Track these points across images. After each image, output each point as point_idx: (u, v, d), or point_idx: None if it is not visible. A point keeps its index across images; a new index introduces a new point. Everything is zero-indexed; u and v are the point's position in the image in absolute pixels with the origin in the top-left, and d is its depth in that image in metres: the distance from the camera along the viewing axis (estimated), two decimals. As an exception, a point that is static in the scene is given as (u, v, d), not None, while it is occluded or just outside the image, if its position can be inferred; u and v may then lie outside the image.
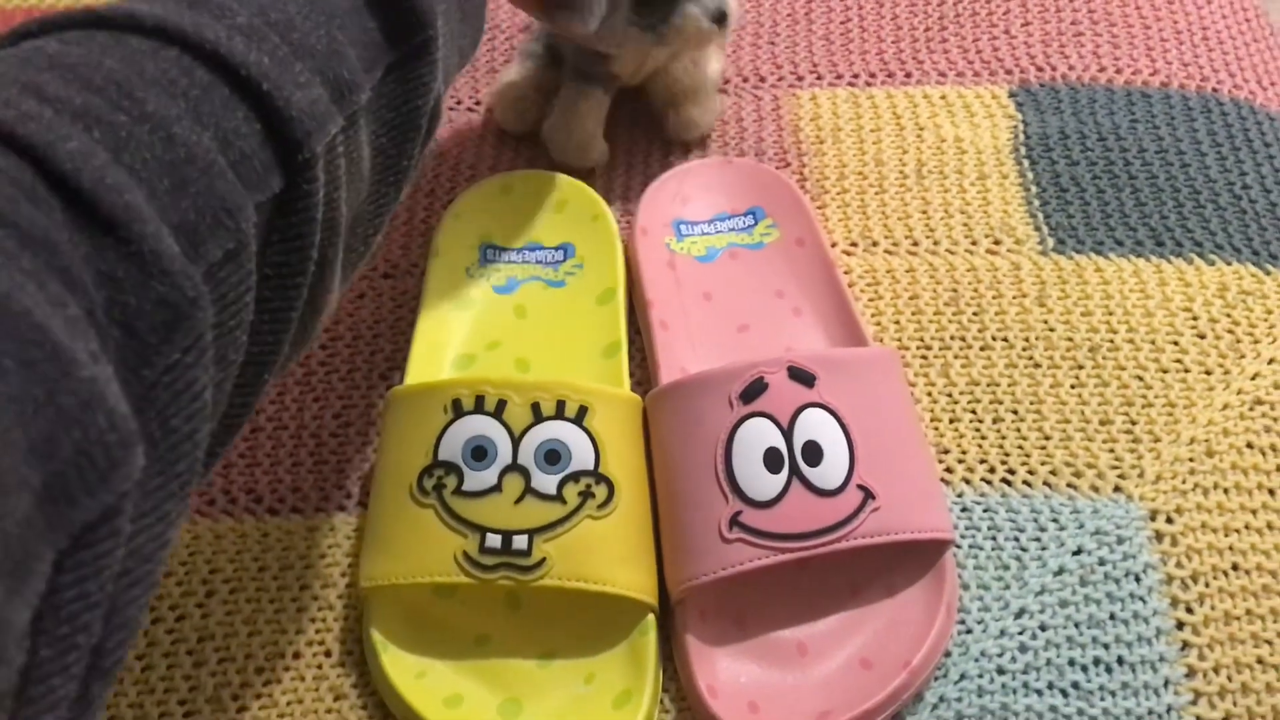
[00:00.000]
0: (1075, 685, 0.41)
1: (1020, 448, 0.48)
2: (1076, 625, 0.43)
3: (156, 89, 0.27)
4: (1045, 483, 0.47)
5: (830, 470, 0.42)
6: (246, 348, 0.30)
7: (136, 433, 0.24)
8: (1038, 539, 0.45)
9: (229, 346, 0.28)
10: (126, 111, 0.27)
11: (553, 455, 0.43)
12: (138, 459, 0.24)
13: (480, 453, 0.43)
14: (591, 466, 0.43)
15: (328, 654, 0.44)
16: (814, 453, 0.42)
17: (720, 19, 0.51)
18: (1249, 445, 0.47)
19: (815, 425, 0.43)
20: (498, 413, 0.43)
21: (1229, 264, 0.53)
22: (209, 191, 0.27)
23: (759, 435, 0.42)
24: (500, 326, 0.51)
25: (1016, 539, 0.45)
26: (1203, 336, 0.51)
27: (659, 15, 0.51)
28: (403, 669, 0.42)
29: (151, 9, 0.29)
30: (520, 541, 0.41)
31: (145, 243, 0.25)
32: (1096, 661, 0.42)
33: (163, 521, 0.26)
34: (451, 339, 0.50)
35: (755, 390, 0.43)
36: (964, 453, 0.48)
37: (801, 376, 0.43)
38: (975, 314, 0.52)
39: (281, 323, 0.31)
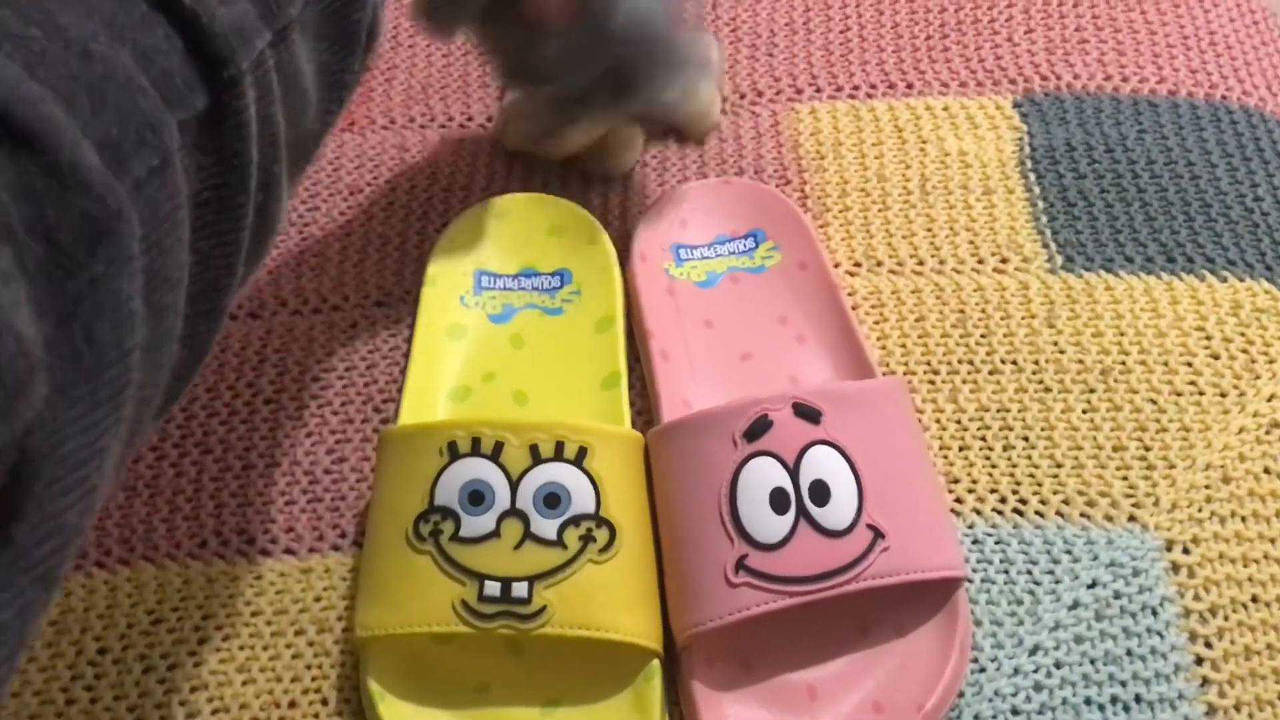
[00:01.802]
0: (1092, 726, 0.40)
1: (1032, 476, 0.47)
2: (1092, 662, 0.42)
3: (72, 6, 0.27)
4: (1058, 513, 0.46)
5: (838, 510, 0.41)
6: (198, 271, 0.30)
7: (40, 359, 0.24)
8: (1051, 572, 0.44)
9: (169, 265, 0.28)
10: (41, 26, 0.26)
11: (552, 499, 0.41)
12: (41, 386, 0.24)
13: (477, 497, 0.41)
14: (592, 510, 0.42)
15: (324, 702, 0.42)
16: (821, 492, 0.41)
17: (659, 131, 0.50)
18: (1266, 470, 0.46)
19: (822, 463, 0.42)
20: (495, 455, 0.42)
21: (1242, 280, 0.52)
22: (130, 107, 0.27)
23: (764, 475, 0.41)
24: (496, 357, 0.50)
25: (1029, 572, 0.44)
26: (1216, 357, 0.49)
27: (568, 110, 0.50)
28: (402, 719, 0.40)
29: None
30: (520, 589, 0.40)
31: (63, 153, 0.24)
32: (1114, 700, 0.41)
33: (94, 429, 0.25)
34: (446, 371, 0.49)
35: (760, 428, 0.42)
36: (974, 482, 0.47)
37: (807, 413, 0.42)
38: (983, 336, 0.51)
39: (232, 244, 0.31)
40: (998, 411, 0.48)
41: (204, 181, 0.29)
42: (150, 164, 0.27)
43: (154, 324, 0.27)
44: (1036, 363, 0.50)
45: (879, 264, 0.54)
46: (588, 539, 0.41)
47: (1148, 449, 0.47)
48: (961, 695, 0.41)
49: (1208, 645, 0.42)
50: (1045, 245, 0.54)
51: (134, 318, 0.26)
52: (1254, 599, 0.43)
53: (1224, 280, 0.52)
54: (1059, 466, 0.47)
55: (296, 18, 0.33)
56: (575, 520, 0.41)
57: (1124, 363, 0.49)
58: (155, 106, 0.27)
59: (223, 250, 0.30)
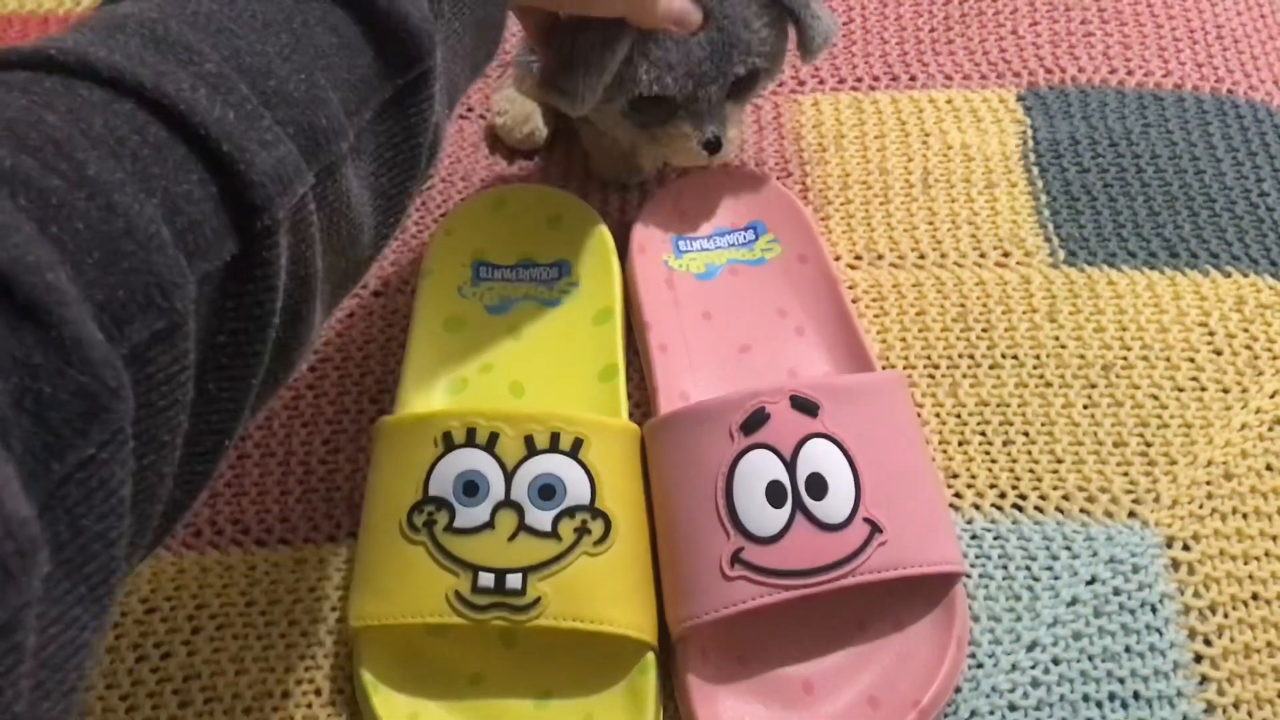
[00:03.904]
0: (1090, 722, 0.40)
1: (1031, 471, 0.46)
2: (1090, 659, 0.42)
3: (101, 149, 0.25)
4: (1057, 508, 0.45)
5: (835, 503, 0.41)
6: (203, 412, 0.28)
7: (39, 538, 0.22)
8: (1050, 568, 0.44)
9: (160, 428, 0.26)
10: (63, 175, 0.24)
11: (547, 490, 0.41)
12: (40, 567, 0.22)
13: (472, 488, 0.41)
14: (587, 501, 0.41)
15: (317, 693, 0.42)
16: (818, 485, 0.41)
17: (712, 146, 0.49)
18: (1268, 467, 0.46)
19: (819, 457, 0.41)
20: (489, 446, 0.42)
21: (1246, 276, 0.52)
22: (144, 267, 0.25)
23: (761, 468, 0.41)
24: (493, 348, 0.49)
25: (1028, 568, 0.44)
26: (1219, 353, 0.49)
27: (653, 119, 0.49)
28: (395, 710, 0.40)
29: (110, 54, 0.27)
30: (514, 580, 0.40)
31: (66, 328, 0.23)
32: (1112, 697, 0.41)
33: (73, 627, 0.24)
34: (443, 362, 0.49)
35: (757, 421, 0.42)
36: (973, 477, 0.46)
37: (805, 406, 0.42)
38: (984, 330, 0.50)
39: (241, 388, 0.29)
40: (998, 406, 0.48)
41: (222, 327, 0.28)
42: (154, 328, 0.25)
43: (136, 487, 0.26)
44: (1037, 357, 0.49)
45: (880, 257, 0.53)
46: (583, 531, 0.41)
47: (1149, 445, 0.47)
48: (959, 690, 0.41)
49: (1207, 642, 0.42)
50: (1047, 239, 0.53)
51: (123, 504, 0.25)
52: (1254, 596, 0.43)
53: (1228, 275, 0.52)
54: (1059, 462, 0.46)
55: (348, 151, 0.31)
56: (570, 512, 0.41)
57: (1126, 358, 0.49)
58: (171, 266, 0.26)
59: (230, 394, 0.29)
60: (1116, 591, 0.43)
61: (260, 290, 0.28)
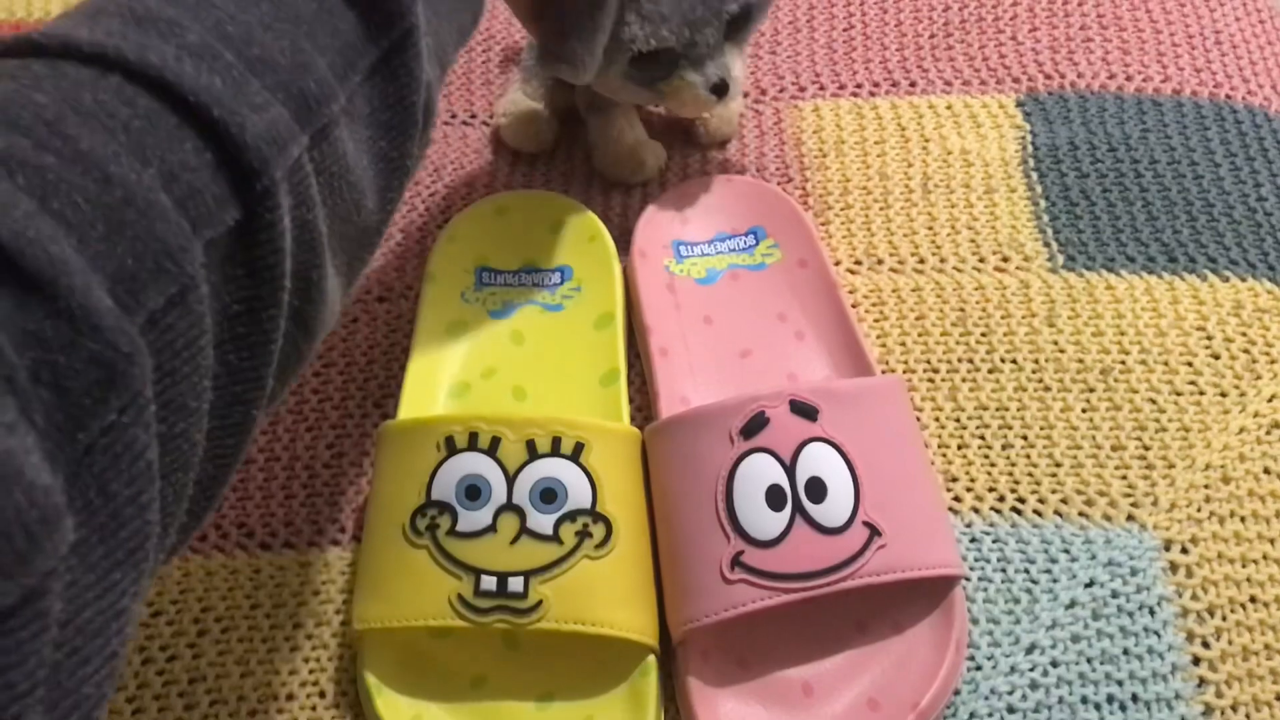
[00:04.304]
0: (1088, 725, 0.40)
1: (1030, 475, 0.47)
2: (1089, 661, 0.42)
3: (92, 124, 0.25)
4: (1056, 511, 0.46)
5: (835, 507, 0.41)
6: (226, 384, 0.28)
7: (61, 505, 0.22)
8: (1049, 571, 0.44)
9: (186, 394, 0.26)
10: (56, 152, 0.25)
11: (549, 494, 0.41)
12: (64, 534, 0.22)
13: (474, 492, 0.41)
14: (589, 505, 0.42)
15: (322, 695, 0.43)
16: (818, 489, 0.41)
17: (719, 89, 0.49)
18: (1266, 471, 0.46)
19: (819, 461, 0.41)
20: (491, 450, 0.42)
21: (1244, 280, 0.52)
22: (148, 234, 0.25)
23: (761, 472, 0.41)
24: (496, 353, 0.50)
25: (1027, 571, 0.44)
26: (1217, 357, 0.49)
27: (656, 74, 0.49)
28: (398, 712, 0.41)
29: (91, 32, 0.27)
30: (516, 583, 0.40)
31: (74, 297, 0.23)
32: (1110, 699, 0.41)
33: (112, 591, 0.24)
34: (446, 366, 0.49)
35: (756, 425, 0.42)
36: (972, 480, 0.47)
37: (804, 410, 0.42)
38: (983, 335, 0.51)
39: (261, 356, 0.29)
40: (997, 410, 0.48)
41: (234, 295, 0.28)
42: (168, 293, 0.25)
43: (167, 455, 0.26)
44: (1036, 361, 0.49)
45: (880, 262, 0.54)
46: (584, 534, 0.41)
47: (1147, 448, 0.47)
48: (958, 693, 0.41)
49: (1205, 645, 0.42)
50: (1046, 244, 0.54)
51: (151, 467, 0.25)
52: (1252, 599, 0.43)
53: (1225, 280, 0.52)
54: (1057, 465, 0.47)
55: (339, 113, 0.31)
56: (572, 515, 0.41)
57: (1124, 362, 0.49)
58: (177, 231, 0.26)
59: (252, 364, 0.29)
60: (1115, 594, 0.43)
61: (268, 254, 0.28)
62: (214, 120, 0.27)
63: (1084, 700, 0.41)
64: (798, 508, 0.41)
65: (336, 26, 0.32)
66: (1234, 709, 0.41)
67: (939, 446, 0.48)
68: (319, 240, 0.31)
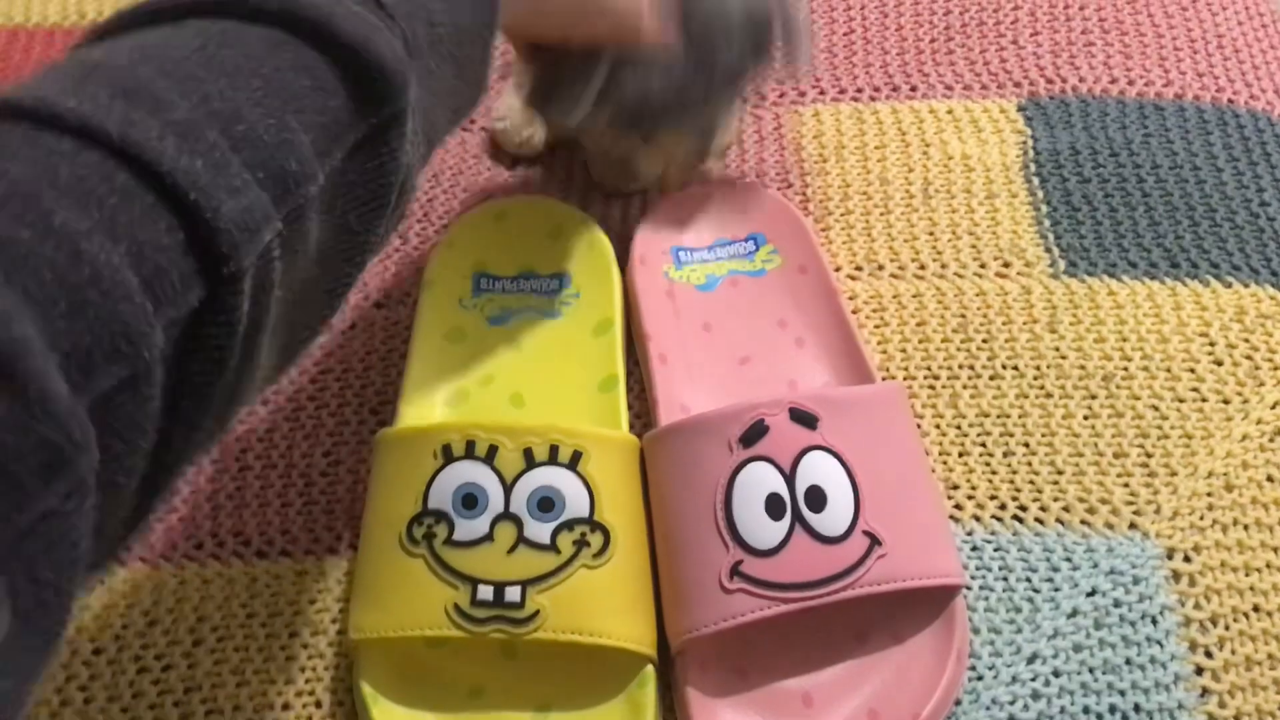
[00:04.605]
0: (1090, 735, 0.40)
1: (1032, 483, 0.46)
2: (1091, 671, 0.42)
3: (68, 198, 0.25)
4: (1058, 520, 0.45)
5: (834, 516, 0.41)
6: (156, 455, 0.28)
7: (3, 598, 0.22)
8: (1050, 579, 0.44)
9: (117, 472, 0.26)
10: (29, 225, 0.24)
11: (546, 503, 0.41)
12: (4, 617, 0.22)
13: (471, 501, 0.41)
14: (586, 514, 0.41)
15: (318, 704, 0.42)
16: (817, 498, 0.41)
17: (703, 148, 0.50)
18: (1269, 478, 0.46)
19: (818, 469, 0.41)
20: (489, 458, 0.42)
21: (1246, 286, 0.52)
22: (110, 315, 0.25)
23: (760, 480, 0.41)
24: (494, 360, 0.49)
25: (1028, 580, 0.44)
26: (1220, 363, 0.49)
27: (641, 128, 0.49)
28: (394, 723, 0.40)
29: (78, 102, 0.27)
30: (513, 593, 0.40)
31: (31, 380, 0.23)
32: (1112, 709, 0.41)
33: (15, 676, 0.24)
34: (444, 373, 0.49)
35: (756, 433, 0.42)
36: (974, 488, 0.46)
37: (803, 418, 0.42)
38: (984, 341, 0.50)
39: (195, 429, 0.29)
40: (998, 417, 0.48)
41: (183, 370, 0.28)
42: (119, 377, 0.25)
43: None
44: (1038, 368, 0.49)
45: (880, 268, 0.53)
46: (582, 544, 0.41)
47: (1149, 456, 0.47)
48: (959, 703, 0.41)
49: (1208, 655, 0.42)
50: (1048, 250, 0.53)
51: (82, 556, 0.25)
52: (1256, 608, 0.43)
53: (1228, 286, 0.52)
54: (1059, 473, 0.46)
55: (316, 194, 0.31)
56: (569, 525, 0.41)
57: (1126, 368, 0.49)
58: (139, 313, 0.26)
59: (185, 433, 0.29)
60: (1117, 603, 0.43)
61: (222, 335, 0.28)
62: (190, 203, 0.27)
63: (1086, 711, 0.41)
64: (797, 517, 0.41)
65: (326, 103, 0.31)
66: (1237, 719, 0.40)
67: (940, 454, 0.47)
68: (266, 318, 0.31)
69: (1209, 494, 0.45)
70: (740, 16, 0.47)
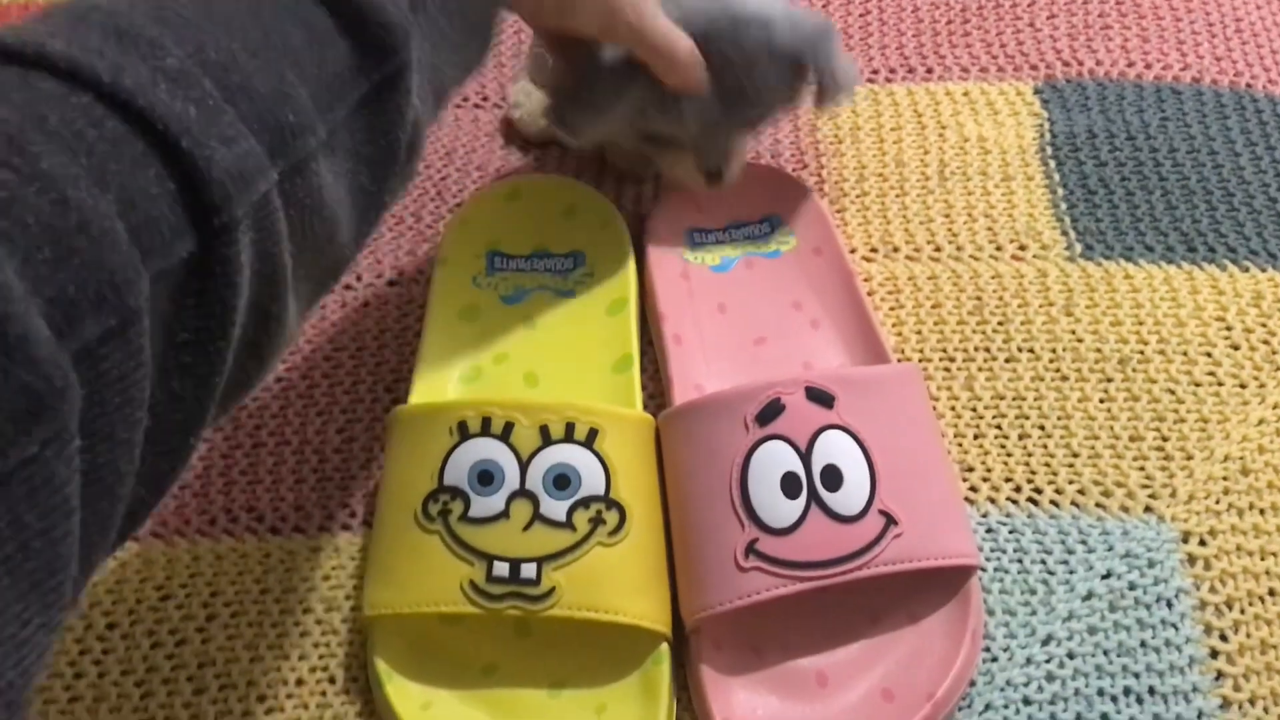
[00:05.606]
0: (1104, 717, 0.40)
1: (1047, 465, 0.46)
2: (1106, 653, 0.41)
3: (56, 143, 0.25)
4: (1073, 502, 0.45)
5: (850, 495, 0.40)
6: (168, 412, 0.28)
7: None
8: (1065, 562, 0.44)
9: (116, 425, 0.26)
10: (15, 169, 0.24)
11: (562, 480, 0.41)
12: None
13: (487, 477, 0.41)
14: (602, 491, 0.41)
15: (331, 680, 0.42)
16: (833, 477, 0.41)
17: (714, 178, 0.49)
18: (1286, 463, 0.45)
19: (834, 448, 0.41)
20: (505, 435, 0.42)
21: (1264, 270, 0.51)
22: (96, 263, 0.25)
23: (776, 459, 0.41)
24: (508, 338, 0.49)
25: (1043, 562, 0.44)
26: (1237, 348, 0.49)
27: (661, 143, 0.50)
28: (408, 699, 0.40)
29: (68, 46, 0.26)
30: (529, 570, 0.40)
31: (12, 324, 0.22)
32: (1127, 691, 0.41)
33: (15, 623, 0.23)
34: (458, 351, 0.49)
35: (772, 412, 0.41)
36: (989, 471, 0.46)
37: (820, 397, 0.42)
38: (1000, 324, 0.50)
39: (205, 386, 0.29)
40: (1014, 400, 0.48)
41: (183, 324, 0.28)
42: (107, 325, 0.25)
43: (90, 485, 0.25)
44: (1054, 351, 0.49)
45: (896, 250, 0.53)
46: (597, 521, 0.41)
47: (1165, 439, 0.46)
48: (973, 684, 0.41)
49: (1223, 638, 0.42)
50: (1064, 233, 0.53)
51: (68, 501, 0.24)
52: (1271, 592, 0.42)
53: (1245, 270, 0.51)
54: (1075, 456, 0.46)
55: (318, 147, 0.31)
56: (585, 502, 0.41)
57: (1142, 352, 0.49)
58: (125, 263, 0.25)
59: (195, 393, 0.29)
60: (1132, 586, 0.43)
61: (221, 287, 0.28)
62: (181, 151, 0.27)
63: (1100, 693, 0.41)
64: (813, 495, 0.40)
65: (325, 57, 0.31)
66: (1252, 702, 0.40)
67: (955, 436, 0.47)
68: (282, 273, 0.30)
69: (1225, 478, 0.45)
70: (779, 60, 0.47)
